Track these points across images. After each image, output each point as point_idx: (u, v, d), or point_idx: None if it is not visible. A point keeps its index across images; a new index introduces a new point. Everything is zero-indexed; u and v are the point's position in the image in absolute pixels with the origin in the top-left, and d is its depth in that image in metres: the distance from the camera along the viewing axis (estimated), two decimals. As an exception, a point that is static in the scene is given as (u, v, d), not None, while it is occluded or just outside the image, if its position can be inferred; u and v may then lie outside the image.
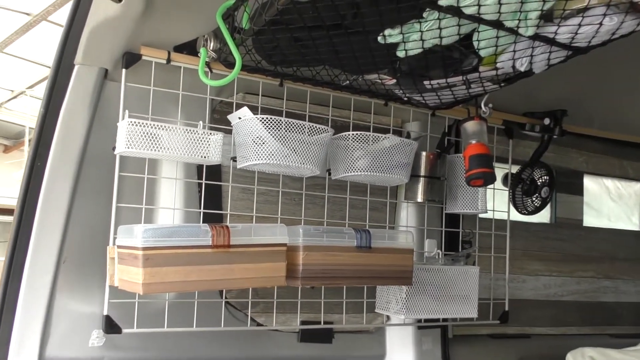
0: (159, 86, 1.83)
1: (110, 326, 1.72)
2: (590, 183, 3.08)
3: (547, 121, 2.48)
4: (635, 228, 3.26)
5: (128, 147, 1.65)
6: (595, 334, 2.96)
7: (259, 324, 2.06)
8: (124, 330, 1.74)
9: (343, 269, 1.78)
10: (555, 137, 2.50)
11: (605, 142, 2.93)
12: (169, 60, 1.82)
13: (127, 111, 1.69)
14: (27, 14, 5.96)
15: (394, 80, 1.90)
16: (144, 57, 1.78)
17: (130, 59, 1.76)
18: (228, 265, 1.58)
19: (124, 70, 1.76)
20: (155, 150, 1.69)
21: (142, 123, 1.67)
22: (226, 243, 1.58)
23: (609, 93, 2.73)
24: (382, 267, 1.85)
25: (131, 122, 1.64)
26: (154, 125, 1.68)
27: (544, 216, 2.83)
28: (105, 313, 1.72)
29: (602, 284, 3.02)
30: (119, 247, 1.63)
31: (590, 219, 3.05)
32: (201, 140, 1.78)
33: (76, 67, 1.74)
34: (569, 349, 2.36)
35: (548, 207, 2.64)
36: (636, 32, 1.56)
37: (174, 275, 1.50)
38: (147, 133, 1.67)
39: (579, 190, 3.00)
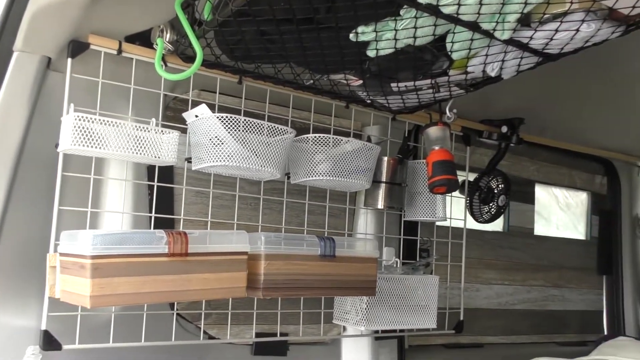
0: (109, 79, 1.68)
1: (49, 342, 1.54)
2: (540, 192, 3.11)
3: (504, 129, 2.47)
4: (581, 237, 3.32)
5: (74, 145, 1.49)
6: (544, 342, 2.98)
7: (211, 337, 1.93)
8: (65, 347, 1.57)
9: (307, 278, 1.68)
10: (512, 145, 2.49)
11: (556, 152, 2.96)
12: (120, 51, 1.67)
13: (72, 105, 1.53)
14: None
15: (361, 82, 1.83)
16: (92, 47, 1.62)
17: (77, 47, 1.60)
18: (186, 275, 1.45)
19: (69, 59, 1.59)
20: (103, 148, 1.54)
21: (90, 118, 1.52)
22: (184, 251, 1.45)
23: (561, 103, 2.76)
24: (345, 277, 1.76)
25: (77, 117, 1.49)
26: (102, 121, 1.54)
27: (497, 225, 2.83)
28: (43, 327, 1.55)
29: (550, 292, 3.05)
30: (61, 254, 1.47)
31: (540, 228, 3.08)
32: (153, 139, 1.64)
33: (15, 54, 1.56)
34: (519, 358, 2.34)
35: (502, 215, 2.63)
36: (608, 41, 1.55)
37: (126, 286, 1.36)
38: (95, 129, 1.52)
39: (530, 199, 3.02)
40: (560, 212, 3.22)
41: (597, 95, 2.81)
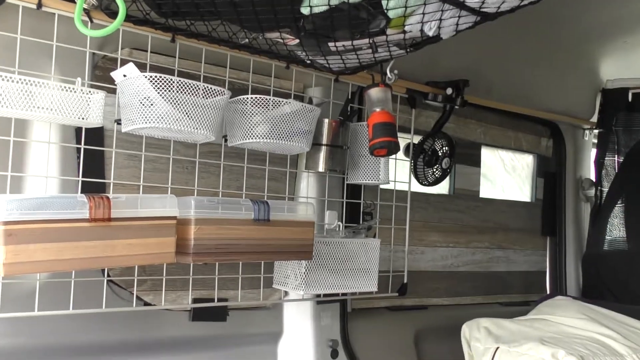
0: (29, 35, 1.58)
1: (-32, 312, 1.49)
2: (486, 154, 3.13)
3: (449, 91, 2.45)
4: (526, 199, 3.36)
5: (-12, 105, 1.41)
6: (488, 303, 3.04)
7: (146, 304, 1.89)
8: (-15, 315, 1.51)
9: (239, 243, 1.65)
10: (456, 107, 2.48)
11: (503, 114, 2.96)
12: (40, 6, 1.57)
13: (-12, 63, 1.44)
14: None
15: (297, 41, 1.77)
16: (8, 0, 1.53)
17: (-9, 1, 1.51)
18: (109, 241, 1.40)
19: (-17, 14, 1.50)
20: (24, 109, 1.46)
21: (8, 77, 1.43)
22: (106, 216, 1.39)
23: (507, 65, 2.76)
24: (281, 241, 1.74)
25: (-7, 75, 1.41)
26: (23, 80, 1.45)
27: (442, 187, 2.83)
28: (-39, 296, 1.49)
29: (495, 254, 3.10)
30: (-24, 220, 1.40)
31: (485, 190, 3.10)
32: (80, 100, 1.56)
33: None
34: (464, 319, 2.37)
35: (447, 178, 2.63)
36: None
37: (43, 253, 1.31)
38: (15, 89, 1.44)
39: (476, 161, 3.04)
40: (506, 175, 3.25)
41: (544, 57, 2.82)
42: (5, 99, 1.42)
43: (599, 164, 3.32)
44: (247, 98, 1.78)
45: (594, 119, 3.32)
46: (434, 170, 2.51)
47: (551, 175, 3.32)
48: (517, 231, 3.19)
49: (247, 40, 1.82)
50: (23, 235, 1.28)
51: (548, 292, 3.30)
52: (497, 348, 2.14)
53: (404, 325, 2.61)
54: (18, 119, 1.59)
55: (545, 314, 2.42)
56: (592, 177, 3.37)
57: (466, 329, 2.31)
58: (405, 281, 2.42)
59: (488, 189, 3.13)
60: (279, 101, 1.82)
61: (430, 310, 2.77)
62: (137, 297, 1.86)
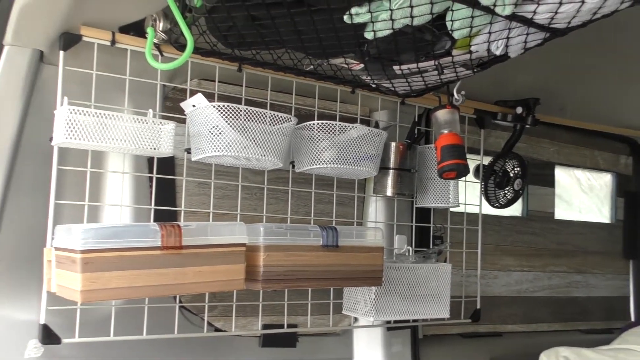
0: (103, 71, 1.65)
1: (48, 336, 1.54)
2: (561, 174, 3.01)
3: (519, 110, 2.38)
4: (605, 220, 3.20)
5: (67, 138, 1.47)
6: (567, 330, 2.90)
7: (217, 329, 1.91)
8: (64, 340, 1.56)
9: (308, 270, 1.64)
10: (527, 126, 2.40)
11: (577, 132, 2.85)
12: (113, 42, 1.64)
13: (65, 98, 1.50)
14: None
15: (362, 65, 1.77)
16: (84, 38, 1.60)
17: (69, 40, 1.57)
18: (181, 269, 1.42)
19: (61, 52, 1.57)
20: (99, 141, 1.52)
21: (84, 111, 1.49)
22: (177, 244, 1.42)
23: (581, 81, 2.65)
24: (350, 267, 1.72)
25: (71, 109, 1.47)
26: (97, 113, 1.51)
27: (515, 209, 2.74)
28: (42, 322, 1.54)
29: (574, 278, 2.96)
30: (56, 249, 1.46)
31: (561, 212, 2.98)
32: (151, 130, 1.61)
33: (6, 48, 1.54)
34: (541, 347, 2.27)
35: (520, 200, 2.54)
36: (618, 12, 1.47)
37: (118, 281, 1.34)
38: (90, 122, 1.50)
39: (550, 182, 2.93)
40: (583, 195, 3.11)
41: (619, 71, 2.70)
42: (82, 132, 1.48)
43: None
44: (314, 124, 1.79)
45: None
46: (506, 191, 2.44)
47: (632, 195, 3.16)
48: (596, 254, 3.05)
49: (312, 66, 1.84)
50: (99, 264, 1.32)
51: (632, 319, 3.12)
52: (579, 378, 2.03)
53: (478, 352, 2.52)
54: (94, 151, 1.65)
55: (630, 344, 2.27)
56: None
57: (545, 358, 2.20)
58: (478, 307, 2.34)
59: (564, 210, 3.01)
60: (346, 126, 1.82)
61: (505, 338, 2.66)
62: (208, 322, 1.89)
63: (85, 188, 1.64)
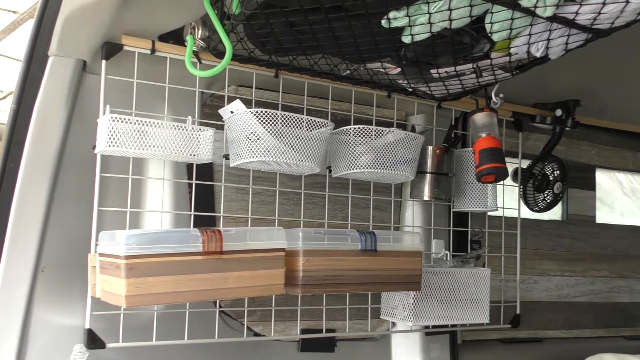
0: (143, 79, 1.68)
1: (93, 341, 1.57)
2: (602, 177, 2.95)
3: (558, 112, 2.35)
4: (649, 224, 3.13)
5: (110, 145, 1.50)
6: (610, 337, 2.83)
7: (256, 334, 1.92)
8: (108, 345, 1.59)
9: (346, 274, 1.64)
10: (567, 129, 2.36)
11: (618, 134, 2.79)
12: (153, 51, 1.67)
13: (108, 106, 1.53)
14: (14, 12, 5.77)
15: (399, 69, 1.76)
16: (125, 48, 1.63)
17: (111, 49, 1.61)
18: (221, 274, 1.44)
19: (103, 61, 1.61)
20: (140, 148, 1.54)
21: (125, 119, 1.52)
22: (218, 249, 1.43)
23: (622, 82, 2.60)
24: (388, 272, 1.71)
25: (113, 117, 1.50)
26: (138, 121, 1.54)
27: (555, 213, 2.69)
28: (87, 326, 1.57)
29: (616, 283, 2.89)
30: (100, 255, 1.49)
31: (602, 215, 2.92)
32: (190, 137, 1.63)
33: (50, 59, 1.58)
34: (583, 353, 2.23)
35: (559, 203, 2.50)
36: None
37: (162, 286, 1.36)
38: (131, 130, 1.53)
39: (591, 185, 2.87)
40: (625, 198, 3.04)
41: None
42: (123, 139, 1.51)
43: None
44: (350, 128, 1.79)
45: None
46: (545, 195, 2.40)
47: (676, 198, 3.08)
48: (639, 259, 2.97)
49: (348, 71, 1.84)
50: (143, 269, 1.34)
51: (679, 324, 3.03)
52: (624, 386, 1.98)
53: (518, 358, 2.48)
54: (135, 158, 1.68)
55: (678, 350, 2.22)
56: None
57: (588, 365, 2.16)
58: (518, 312, 2.30)
59: (605, 214, 2.95)
60: (382, 130, 1.81)
61: (546, 344, 2.61)
62: (248, 327, 1.90)
63: (127, 195, 1.67)
